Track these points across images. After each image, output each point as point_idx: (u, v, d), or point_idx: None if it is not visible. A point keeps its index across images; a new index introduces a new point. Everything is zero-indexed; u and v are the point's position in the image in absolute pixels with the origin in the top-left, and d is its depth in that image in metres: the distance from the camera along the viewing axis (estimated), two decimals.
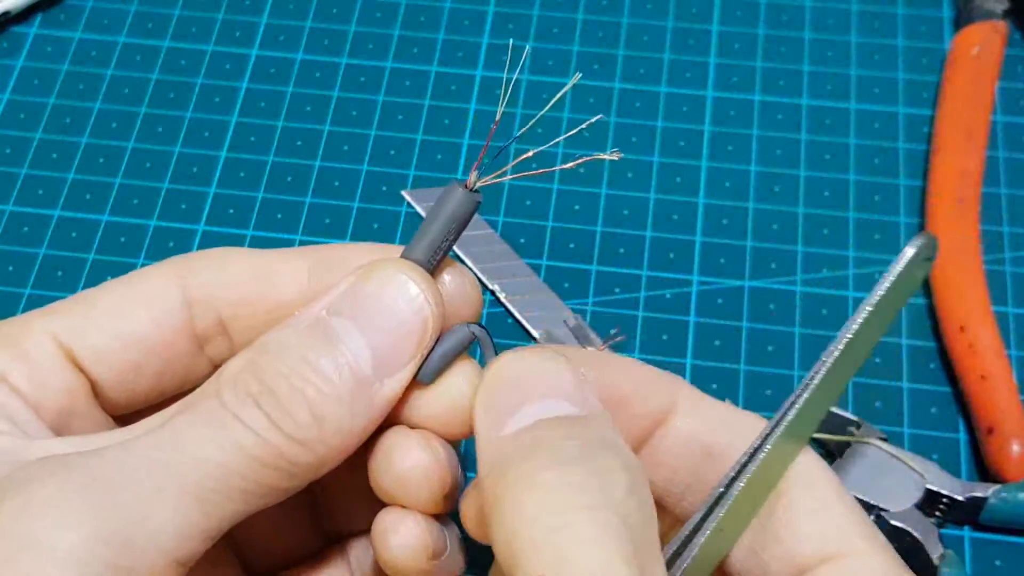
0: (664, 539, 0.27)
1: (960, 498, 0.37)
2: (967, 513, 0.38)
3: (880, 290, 0.27)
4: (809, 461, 0.28)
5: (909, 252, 0.27)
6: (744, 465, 0.27)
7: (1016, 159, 0.47)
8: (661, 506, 0.30)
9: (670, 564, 0.27)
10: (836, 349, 0.27)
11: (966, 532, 0.39)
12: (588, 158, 0.28)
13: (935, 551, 0.36)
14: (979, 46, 0.47)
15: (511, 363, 0.27)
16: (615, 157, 0.28)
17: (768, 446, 0.27)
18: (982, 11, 0.48)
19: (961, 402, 0.41)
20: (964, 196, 0.44)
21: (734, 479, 0.27)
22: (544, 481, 0.24)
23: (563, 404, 0.26)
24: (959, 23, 0.49)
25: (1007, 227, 0.45)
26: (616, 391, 0.28)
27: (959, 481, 0.38)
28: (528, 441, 0.25)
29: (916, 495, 0.37)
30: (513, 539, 0.23)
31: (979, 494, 0.37)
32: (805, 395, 0.27)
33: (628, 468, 0.25)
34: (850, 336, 0.27)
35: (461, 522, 0.29)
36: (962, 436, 0.40)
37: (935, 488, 0.37)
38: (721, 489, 0.27)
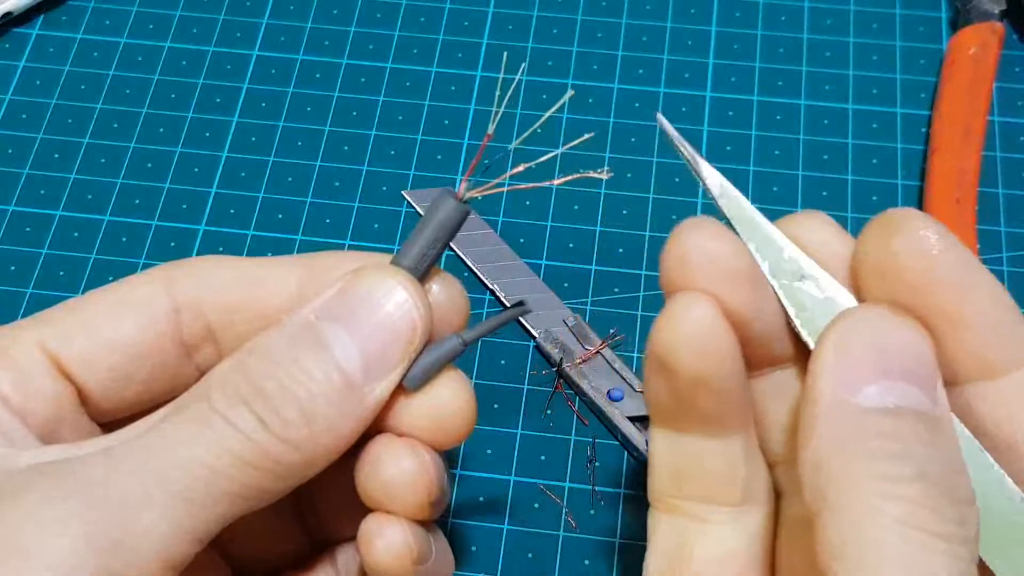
0: None
1: None
2: None
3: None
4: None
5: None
6: None
7: (1013, 159, 0.47)
8: None
9: None
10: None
11: None
12: (579, 175, 0.29)
13: None
14: (976, 47, 0.47)
15: (883, 320, 0.25)
16: (604, 176, 0.28)
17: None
18: (979, 12, 0.48)
19: None
20: (961, 196, 0.44)
21: None
22: (908, 495, 0.23)
23: (922, 396, 0.24)
24: (956, 24, 0.49)
25: (1004, 227, 0.45)
26: (971, 313, 0.25)
27: None
28: (889, 431, 0.23)
29: None
30: (854, 532, 0.22)
31: None
32: None
33: (977, 506, 0.24)
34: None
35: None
36: None
37: None
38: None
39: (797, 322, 0.26)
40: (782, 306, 0.26)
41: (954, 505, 0.23)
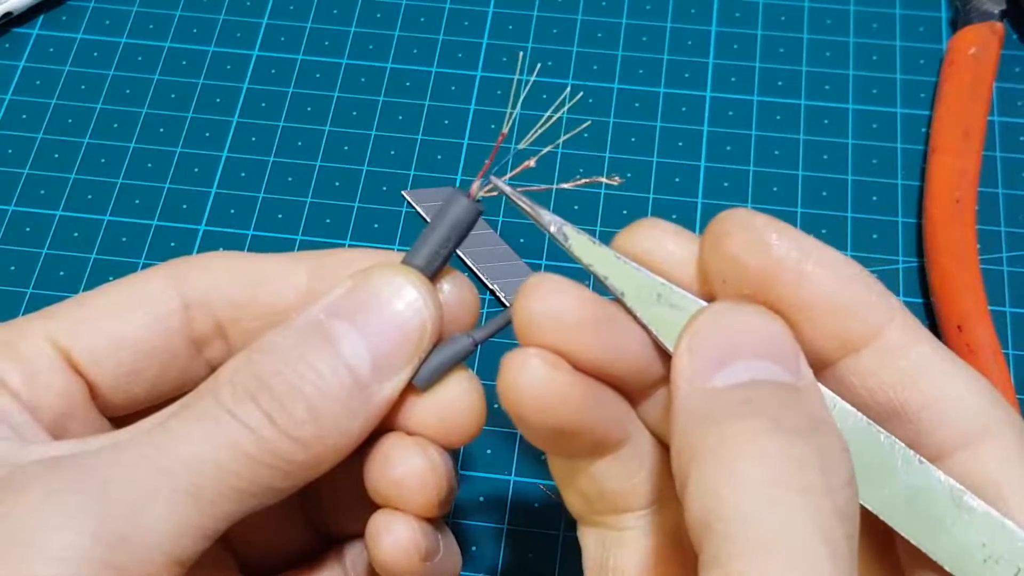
0: None
1: None
2: None
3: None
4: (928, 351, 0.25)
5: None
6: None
7: (1013, 159, 0.47)
8: None
9: None
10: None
11: None
12: (590, 180, 0.29)
13: None
14: (976, 47, 0.47)
15: (728, 312, 0.25)
16: (615, 182, 0.29)
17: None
18: (979, 12, 0.48)
19: None
20: (961, 196, 0.44)
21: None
22: (763, 449, 0.22)
23: (778, 369, 0.24)
24: (957, 24, 0.49)
25: (1004, 227, 0.45)
26: (812, 296, 0.25)
27: None
28: (742, 399, 0.23)
29: None
30: (713, 502, 0.22)
31: None
32: None
33: (847, 454, 0.23)
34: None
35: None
36: None
37: None
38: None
39: (664, 341, 0.27)
40: (647, 330, 0.27)
41: (814, 453, 0.22)
